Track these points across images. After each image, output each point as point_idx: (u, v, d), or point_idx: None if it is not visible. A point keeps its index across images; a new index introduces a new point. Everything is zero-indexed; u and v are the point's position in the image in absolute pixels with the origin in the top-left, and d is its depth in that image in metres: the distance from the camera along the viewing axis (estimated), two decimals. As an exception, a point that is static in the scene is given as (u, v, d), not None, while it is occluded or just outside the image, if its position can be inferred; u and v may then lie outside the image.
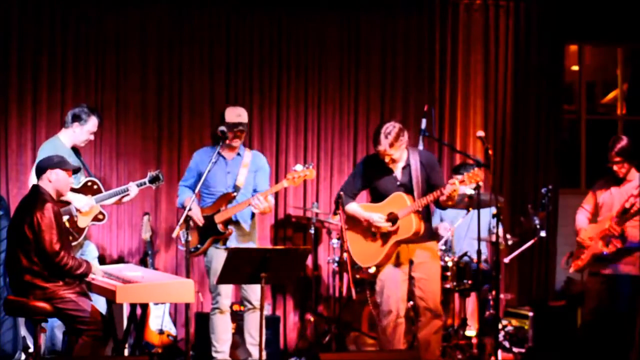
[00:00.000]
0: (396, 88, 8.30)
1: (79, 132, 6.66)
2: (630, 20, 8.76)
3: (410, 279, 6.13)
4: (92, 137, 6.76)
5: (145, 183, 6.74)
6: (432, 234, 6.34)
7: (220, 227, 6.55)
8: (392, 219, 6.03)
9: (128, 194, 6.70)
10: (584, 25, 8.77)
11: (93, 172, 7.07)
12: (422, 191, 6.03)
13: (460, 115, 8.44)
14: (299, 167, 6.45)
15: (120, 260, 7.69)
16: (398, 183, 6.11)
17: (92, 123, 6.68)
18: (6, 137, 7.56)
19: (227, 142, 6.56)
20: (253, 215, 6.71)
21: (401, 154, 6.09)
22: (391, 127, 6.01)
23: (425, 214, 6.18)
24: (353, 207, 6.23)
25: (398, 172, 6.13)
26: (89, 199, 6.54)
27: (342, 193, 6.03)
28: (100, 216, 6.67)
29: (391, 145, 5.98)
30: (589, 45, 9.40)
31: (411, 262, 6.12)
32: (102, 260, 7.46)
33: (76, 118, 6.65)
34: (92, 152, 7.67)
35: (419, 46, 8.34)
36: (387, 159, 6.05)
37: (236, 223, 6.62)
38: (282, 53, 8.08)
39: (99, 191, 6.63)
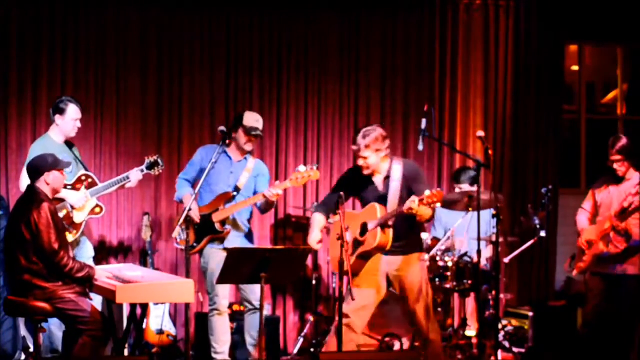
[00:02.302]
0: (396, 88, 8.30)
1: (63, 122, 6.65)
2: (630, 20, 8.77)
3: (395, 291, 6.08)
4: (79, 124, 6.71)
5: (142, 170, 6.71)
6: (417, 246, 6.12)
7: (217, 226, 6.54)
8: (363, 229, 5.95)
9: (129, 181, 6.67)
10: (584, 25, 8.77)
11: (93, 171, 7.06)
12: (401, 204, 5.87)
13: (460, 115, 8.44)
14: (302, 167, 6.41)
15: (120, 259, 7.69)
16: (380, 194, 6.00)
17: (72, 110, 6.66)
18: (6, 136, 7.56)
19: (241, 144, 6.56)
20: (251, 217, 6.72)
21: (379, 162, 5.96)
22: (372, 130, 5.91)
23: (410, 226, 5.99)
24: (313, 218, 6.18)
25: (379, 183, 6.02)
26: (83, 193, 6.53)
27: (342, 193, 6.00)
28: (98, 209, 6.66)
29: (367, 146, 5.86)
30: (589, 45, 9.40)
31: (388, 278, 6.02)
32: (102, 260, 7.46)
33: (56, 110, 6.67)
34: (92, 152, 7.68)
35: (419, 46, 8.35)
36: (361, 162, 5.92)
37: (234, 222, 6.61)
38: (282, 53, 8.08)
39: (93, 184, 6.62)
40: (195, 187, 6.55)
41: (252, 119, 6.63)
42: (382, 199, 5.97)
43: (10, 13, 7.56)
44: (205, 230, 6.56)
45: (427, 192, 5.63)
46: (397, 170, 5.97)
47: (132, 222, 7.80)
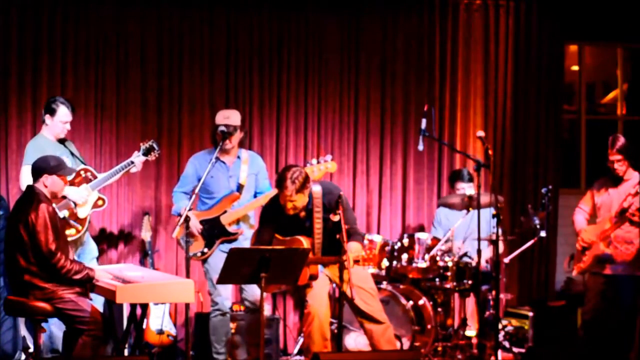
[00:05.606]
0: (396, 88, 8.30)
1: (52, 124, 6.66)
2: (630, 20, 8.77)
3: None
4: (67, 127, 6.70)
5: (139, 157, 6.69)
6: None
7: (229, 228, 6.53)
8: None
9: (134, 166, 6.65)
10: (584, 25, 8.77)
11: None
12: (324, 234, 5.97)
13: (460, 115, 8.44)
14: (314, 161, 6.45)
15: (120, 259, 7.69)
16: (303, 226, 6.04)
17: (62, 113, 6.64)
18: (6, 136, 7.56)
19: (221, 146, 6.49)
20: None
21: (304, 201, 5.99)
22: (297, 173, 5.89)
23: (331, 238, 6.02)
24: None
25: (301, 214, 6.06)
26: (84, 188, 6.53)
27: (341, 193, 6.00)
28: (100, 202, 6.65)
29: (297, 191, 5.87)
30: (589, 45, 9.40)
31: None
32: (102, 260, 7.45)
33: (47, 110, 6.67)
34: (92, 152, 7.68)
35: (419, 46, 8.34)
36: (290, 206, 5.94)
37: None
38: (282, 53, 8.08)
39: (93, 177, 6.61)
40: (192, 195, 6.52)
41: (221, 117, 6.59)
42: (306, 231, 6.02)
43: (11, 12, 7.56)
44: (216, 233, 6.54)
45: (365, 255, 5.89)
46: (318, 197, 6.01)
47: (132, 222, 7.80)
